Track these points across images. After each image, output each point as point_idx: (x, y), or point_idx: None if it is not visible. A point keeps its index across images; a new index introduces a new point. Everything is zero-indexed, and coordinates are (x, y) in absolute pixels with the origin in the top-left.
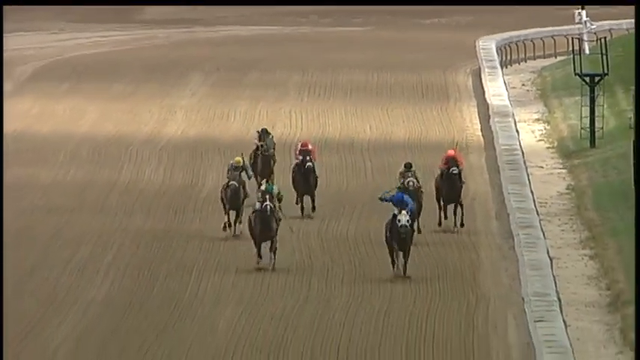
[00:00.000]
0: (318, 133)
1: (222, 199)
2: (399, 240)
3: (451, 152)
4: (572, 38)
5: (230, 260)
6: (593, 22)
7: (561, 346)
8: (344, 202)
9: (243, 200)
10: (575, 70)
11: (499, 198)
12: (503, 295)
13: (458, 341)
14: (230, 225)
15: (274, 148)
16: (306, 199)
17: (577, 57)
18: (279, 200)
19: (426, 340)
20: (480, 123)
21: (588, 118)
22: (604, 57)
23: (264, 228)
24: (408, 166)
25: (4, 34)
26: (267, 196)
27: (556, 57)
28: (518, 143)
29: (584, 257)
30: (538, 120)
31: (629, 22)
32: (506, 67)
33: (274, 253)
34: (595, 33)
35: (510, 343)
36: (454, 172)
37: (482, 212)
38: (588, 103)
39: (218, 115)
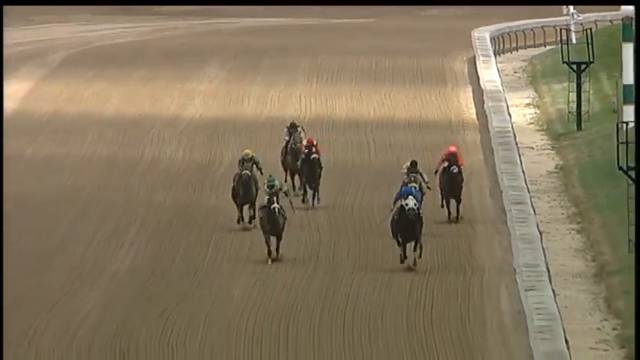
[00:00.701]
0: (325, 115)
1: (232, 194)
2: (406, 226)
3: (453, 149)
4: (560, 29)
5: (245, 234)
6: (579, 14)
7: (550, 314)
8: (350, 178)
9: (256, 193)
10: (562, 58)
11: (493, 176)
12: (496, 266)
13: (455, 309)
14: (243, 219)
15: (301, 142)
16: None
17: (565, 46)
18: (286, 195)
19: (425, 308)
20: (475, 107)
21: (575, 103)
22: (589, 46)
23: (272, 227)
24: (414, 164)
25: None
26: (275, 198)
27: (545, 46)
28: (510, 126)
29: (572, 231)
30: (529, 104)
31: (614, 14)
32: (500, 56)
33: (277, 249)
34: (581, 24)
35: (503, 311)
36: (454, 170)
37: (477, 189)
38: (575, 89)
39: (234, 99)
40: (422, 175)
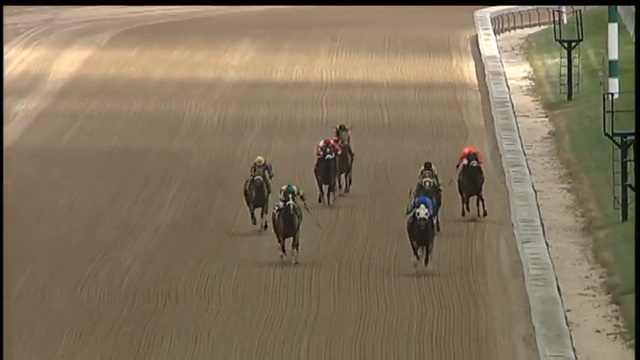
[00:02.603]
0: (344, 89)
1: (245, 194)
2: (419, 234)
3: (471, 148)
4: (553, 11)
5: (274, 194)
6: None
7: (544, 263)
8: (366, 143)
9: (268, 196)
10: (555, 36)
11: (492, 141)
12: (496, 221)
13: (459, 258)
14: (255, 222)
15: (349, 141)
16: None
17: (557, 26)
18: (302, 199)
19: (432, 258)
20: (477, 80)
21: (566, 76)
22: (579, 26)
23: (287, 225)
24: (428, 166)
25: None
26: (290, 195)
27: (540, 26)
28: (508, 97)
29: (563, 190)
30: (525, 77)
31: None
32: (499, 34)
33: (297, 248)
34: (572, 6)
35: (502, 261)
36: (474, 164)
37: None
38: (566, 64)
39: (262, 74)
40: (436, 177)
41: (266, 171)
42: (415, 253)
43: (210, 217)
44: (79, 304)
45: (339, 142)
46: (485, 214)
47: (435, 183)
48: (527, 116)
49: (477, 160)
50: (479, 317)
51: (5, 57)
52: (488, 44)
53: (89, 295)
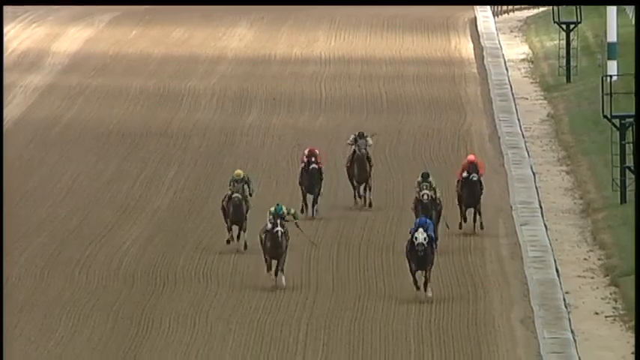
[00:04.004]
0: (343, 69)
1: (223, 212)
2: (417, 259)
3: (472, 157)
4: None
5: (272, 175)
6: None
7: (542, 245)
8: (365, 125)
9: (246, 214)
10: (554, 18)
11: (491, 123)
12: (495, 203)
13: (457, 241)
14: (234, 239)
15: (366, 149)
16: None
17: (556, 8)
18: (294, 217)
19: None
20: (476, 62)
21: (565, 58)
22: (577, 8)
23: (274, 248)
24: (425, 177)
25: None
26: (279, 221)
27: (538, 8)
28: (507, 79)
29: (562, 172)
30: (523, 60)
31: None
32: (498, 17)
33: (282, 271)
34: None
35: (501, 243)
36: (474, 178)
37: (478, 136)
38: (565, 46)
39: (261, 56)
40: (434, 189)
41: (245, 186)
42: (414, 277)
43: (210, 199)
44: (77, 286)
45: (358, 149)
46: (482, 227)
47: (434, 196)
48: (526, 98)
49: (477, 171)
50: (477, 299)
51: (4, 38)
52: (487, 26)
53: (88, 278)
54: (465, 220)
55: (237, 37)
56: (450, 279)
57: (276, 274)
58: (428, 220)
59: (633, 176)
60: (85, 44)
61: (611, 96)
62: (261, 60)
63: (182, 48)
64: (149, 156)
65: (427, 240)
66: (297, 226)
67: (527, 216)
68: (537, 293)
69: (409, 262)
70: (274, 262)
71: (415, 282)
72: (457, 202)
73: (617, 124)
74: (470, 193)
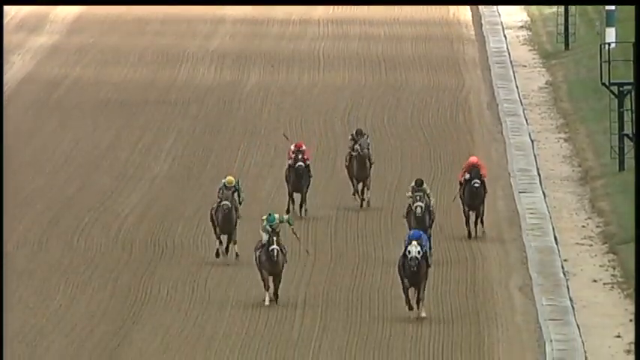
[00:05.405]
0: (340, 41)
1: (212, 221)
2: (410, 274)
3: (474, 159)
4: None
5: (270, 142)
6: None
7: (541, 213)
8: (363, 93)
9: (236, 222)
10: None
11: (490, 91)
12: (493, 170)
13: (455, 209)
14: (226, 252)
15: (369, 149)
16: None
17: None
18: (289, 223)
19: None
20: (475, 29)
21: (563, 25)
22: None
23: (271, 266)
24: (419, 183)
25: None
26: (275, 238)
27: None
28: (505, 46)
29: (560, 140)
30: (522, 27)
31: None
32: None
33: (277, 293)
34: None
35: (499, 210)
36: (476, 184)
37: (476, 103)
38: (563, 13)
39: (259, 23)
40: (428, 196)
41: (235, 194)
42: (407, 295)
43: (208, 167)
44: (76, 253)
45: (358, 148)
46: (483, 232)
47: (428, 202)
48: (524, 66)
49: (479, 176)
50: (476, 267)
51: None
52: None
53: (86, 245)
54: (467, 222)
55: (236, 6)
56: (448, 246)
57: (276, 294)
58: (422, 234)
59: (631, 143)
60: (84, 9)
61: (609, 63)
62: (260, 26)
63: (180, 18)
64: (147, 124)
65: (421, 254)
66: (294, 233)
67: (525, 183)
68: (536, 261)
69: (402, 279)
70: (271, 279)
71: (408, 301)
72: (461, 204)
73: (616, 92)
74: (471, 199)
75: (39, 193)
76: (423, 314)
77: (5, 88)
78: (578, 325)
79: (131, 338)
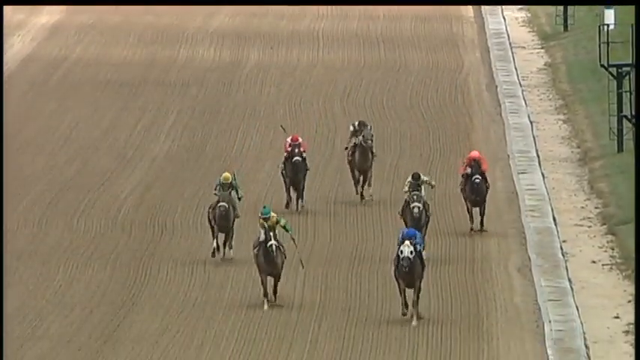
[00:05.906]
0: (339, 21)
1: (209, 220)
2: (403, 275)
3: (475, 154)
4: None
5: (270, 123)
6: None
7: (540, 194)
8: (362, 74)
9: (234, 222)
10: None
11: (488, 72)
12: (492, 151)
13: (454, 189)
14: (219, 250)
15: (372, 140)
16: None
17: None
18: (286, 229)
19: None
20: (473, 10)
21: (562, 7)
22: None
23: (269, 265)
24: (416, 177)
25: None
26: (271, 234)
27: None
28: (504, 28)
29: (559, 121)
30: (521, 9)
31: None
32: None
33: (276, 290)
34: None
35: (498, 190)
36: (476, 180)
37: (475, 85)
38: None
39: (257, 7)
40: (428, 183)
41: (233, 191)
42: (403, 298)
43: (207, 148)
44: (76, 234)
45: (362, 139)
46: (482, 225)
47: (425, 200)
48: (523, 47)
49: (479, 171)
50: (474, 248)
51: None
52: None
53: (86, 226)
54: (471, 218)
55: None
56: (447, 226)
57: (275, 294)
58: (416, 232)
59: (630, 125)
60: None
61: (608, 45)
62: (258, 11)
63: None
64: (147, 105)
65: (413, 254)
66: (292, 239)
67: (524, 165)
68: (534, 242)
69: (397, 280)
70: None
71: (405, 304)
72: (463, 199)
73: (614, 73)
74: (473, 194)
75: (39, 174)
76: (414, 323)
77: (5, 69)
78: (577, 306)
79: (131, 319)
